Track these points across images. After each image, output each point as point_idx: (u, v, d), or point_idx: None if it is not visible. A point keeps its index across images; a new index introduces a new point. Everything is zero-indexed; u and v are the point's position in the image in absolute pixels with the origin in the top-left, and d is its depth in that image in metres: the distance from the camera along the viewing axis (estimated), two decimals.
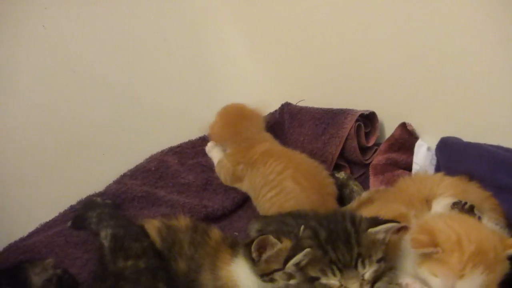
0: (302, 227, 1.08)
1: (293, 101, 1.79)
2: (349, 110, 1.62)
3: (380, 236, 0.93)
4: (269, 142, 1.55)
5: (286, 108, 1.74)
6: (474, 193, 1.23)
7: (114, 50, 1.62)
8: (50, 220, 1.44)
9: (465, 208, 1.10)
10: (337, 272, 0.90)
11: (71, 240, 1.32)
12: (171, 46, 1.78)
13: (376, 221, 0.94)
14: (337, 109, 1.64)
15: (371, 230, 0.93)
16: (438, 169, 1.48)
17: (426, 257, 0.92)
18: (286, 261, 0.95)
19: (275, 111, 1.78)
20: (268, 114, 1.79)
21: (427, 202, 1.23)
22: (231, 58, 1.94)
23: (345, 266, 0.90)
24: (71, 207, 1.47)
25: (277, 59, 1.91)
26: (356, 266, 0.90)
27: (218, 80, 1.91)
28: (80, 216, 1.36)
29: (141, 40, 1.70)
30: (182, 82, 1.83)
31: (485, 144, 1.41)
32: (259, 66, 1.96)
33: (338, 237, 0.92)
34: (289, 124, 1.68)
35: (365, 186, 1.54)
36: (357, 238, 0.92)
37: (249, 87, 1.83)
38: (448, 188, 1.23)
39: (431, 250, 0.89)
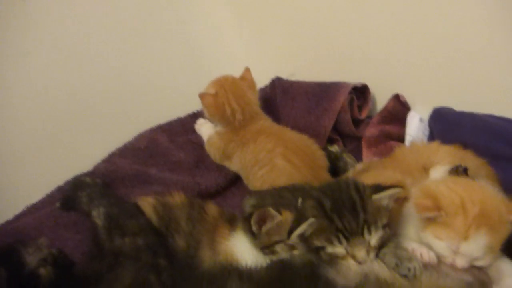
0: (300, 199, 1.08)
1: (284, 76, 1.76)
2: (342, 83, 1.60)
3: (384, 202, 0.94)
4: (263, 120, 1.51)
5: (277, 83, 1.71)
6: (470, 160, 1.24)
7: (99, 28, 1.56)
8: (37, 202, 1.38)
9: (459, 170, 1.12)
10: (344, 240, 0.90)
11: (61, 221, 1.27)
12: (156, 22, 1.72)
13: (379, 188, 0.94)
14: (329, 82, 1.62)
15: (375, 196, 0.92)
16: (431, 139, 1.48)
17: (430, 221, 0.92)
18: (291, 232, 0.94)
19: (266, 86, 1.75)
20: (259, 90, 1.75)
21: (425, 171, 1.24)
22: (218, 33, 1.89)
23: (351, 234, 0.90)
24: (59, 187, 1.42)
25: (266, 33, 1.88)
26: (362, 233, 0.90)
27: (206, 56, 1.86)
28: (69, 196, 1.31)
29: (126, 17, 1.64)
30: (169, 59, 1.78)
31: (478, 113, 1.42)
32: (248, 40, 1.92)
33: (344, 205, 0.92)
34: (281, 99, 1.66)
35: (358, 158, 1.54)
36: (363, 205, 0.92)
37: (238, 63, 1.77)
38: (445, 156, 1.24)
39: (435, 214, 0.90)
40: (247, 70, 1.57)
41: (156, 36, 1.72)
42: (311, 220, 0.91)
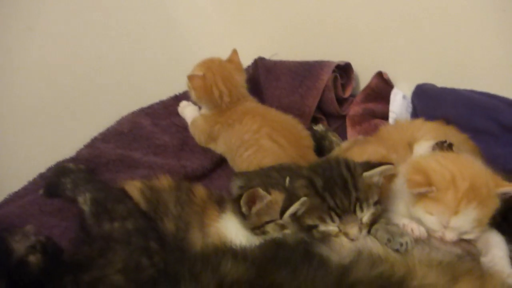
0: (288, 178, 1.08)
1: (266, 56, 1.74)
2: (325, 61, 1.59)
3: (375, 179, 0.94)
4: (249, 101, 1.50)
5: (260, 62, 1.69)
6: (453, 136, 1.26)
7: (77, 11, 1.51)
8: (19, 190, 1.34)
9: (444, 146, 1.13)
10: (336, 218, 0.91)
11: (45, 208, 1.25)
12: (135, 3, 1.67)
13: (370, 165, 0.95)
14: (312, 61, 1.61)
15: (366, 174, 0.93)
16: (414, 116, 1.50)
17: (421, 196, 0.94)
18: (283, 212, 0.94)
19: (248, 66, 1.73)
20: None
21: (410, 147, 1.26)
22: (199, 13, 1.85)
23: (343, 212, 0.91)
24: (41, 174, 1.38)
25: (247, 12, 1.85)
26: (354, 211, 0.91)
27: (187, 37, 1.82)
28: (52, 183, 1.28)
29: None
30: (149, 40, 1.74)
31: (459, 89, 1.44)
32: (229, 20, 1.89)
33: (335, 183, 0.92)
34: (264, 79, 1.64)
35: (343, 137, 1.54)
36: (354, 182, 0.92)
37: (220, 43, 1.75)
38: (429, 131, 1.26)
39: (427, 189, 0.91)
40: (235, 52, 1.55)
41: (135, 17, 1.68)
42: (303, 199, 0.91)
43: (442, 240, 0.90)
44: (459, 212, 0.89)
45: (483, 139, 1.31)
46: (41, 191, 1.29)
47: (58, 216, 1.23)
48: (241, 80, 1.51)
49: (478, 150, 1.27)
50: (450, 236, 0.91)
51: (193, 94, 1.49)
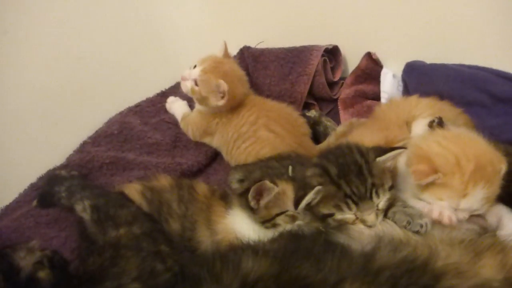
0: (290, 167, 1.06)
1: (252, 44, 1.71)
2: (313, 46, 1.57)
3: (388, 163, 0.93)
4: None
5: (247, 52, 1.65)
6: (448, 111, 1.27)
7: (55, 12, 1.44)
8: (11, 203, 1.29)
9: (434, 124, 1.14)
10: (353, 206, 0.90)
11: (41, 220, 1.20)
12: (116, 2, 1.61)
13: (382, 150, 0.94)
14: (300, 47, 1.59)
15: (379, 158, 0.92)
16: (405, 94, 1.50)
17: (428, 184, 0.92)
18: (298, 202, 0.92)
19: (234, 56, 1.69)
20: None
21: (407, 125, 1.26)
22: (180, 3, 1.80)
23: (360, 199, 0.90)
24: (32, 185, 1.33)
25: (229, 1, 1.80)
26: (371, 197, 0.90)
27: (169, 30, 1.77)
28: (46, 193, 1.23)
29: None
30: (129, 36, 1.67)
31: (449, 64, 1.45)
32: (211, 10, 1.84)
33: (350, 170, 0.91)
34: (252, 68, 1.61)
35: (336, 121, 1.54)
36: (369, 168, 0.91)
37: (203, 34, 1.71)
38: (425, 108, 1.26)
39: (434, 178, 0.90)
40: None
41: (115, 14, 1.62)
42: (318, 188, 0.89)
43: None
44: (468, 194, 0.89)
45: (476, 111, 1.32)
46: (34, 203, 1.24)
47: (55, 226, 1.19)
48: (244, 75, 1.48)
49: (472, 123, 1.28)
50: (462, 216, 0.91)
51: (210, 102, 1.38)
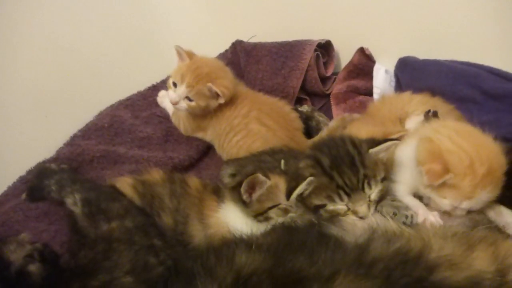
0: (283, 161, 1.06)
1: (244, 38, 1.70)
2: (306, 40, 1.57)
3: (381, 155, 0.93)
4: (239, 86, 1.44)
5: (239, 46, 1.65)
6: (440, 107, 1.27)
7: (51, 3, 1.43)
8: None
9: (430, 116, 1.15)
10: (345, 197, 0.90)
11: (30, 213, 1.18)
12: None
13: (375, 141, 0.94)
14: (293, 41, 1.59)
15: (372, 150, 0.92)
16: (397, 90, 1.51)
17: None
18: (290, 193, 0.92)
19: (226, 50, 1.69)
20: (219, 55, 1.69)
21: (400, 121, 1.26)
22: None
23: (352, 190, 0.90)
24: (21, 178, 1.31)
25: None
26: (363, 188, 0.90)
27: (161, 24, 1.75)
28: (35, 186, 1.21)
29: None
30: (121, 29, 1.66)
31: (441, 60, 1.45)
32: (203, 4, 1.82)
33: (343, 161, 0.91)
34: (245, 63, 1.60)
35: (328, 116, 1.54)
36: (361, 160, 0.91)
37: (194, 29, 1.70)
38: (418, 105, 1.27)
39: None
40: (178, 48, 1.37)
41: (107, 6, 1.60)
42: (310, 178, 0.89)
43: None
44: (474, 197, 0.88)
45: (467, 107, 1.33)
46: (23, 196, 1.22)
47: (45, 220, 1.17)
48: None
49: (464, 118, 1.28)
50: (459, 213, 0.92)
51: (214, 105, 1.36)
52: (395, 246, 0.77)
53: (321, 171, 0.91)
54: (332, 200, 0.90)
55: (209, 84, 1.30)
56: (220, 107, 1.37)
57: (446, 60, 1.44)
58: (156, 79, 1.67)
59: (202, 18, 1.83)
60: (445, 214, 0.92)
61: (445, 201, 0.90)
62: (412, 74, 1.44)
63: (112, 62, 1.63)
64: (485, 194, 0.88)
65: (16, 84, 1.38)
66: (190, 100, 1.34)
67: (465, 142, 0.91)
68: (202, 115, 1.40)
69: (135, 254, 0.86)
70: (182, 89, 1.33)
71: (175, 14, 1.81)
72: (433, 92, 1.33)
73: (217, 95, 1.33)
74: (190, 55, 1.38)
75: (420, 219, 0.88)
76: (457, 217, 0.90)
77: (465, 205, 0.89)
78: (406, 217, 0.89)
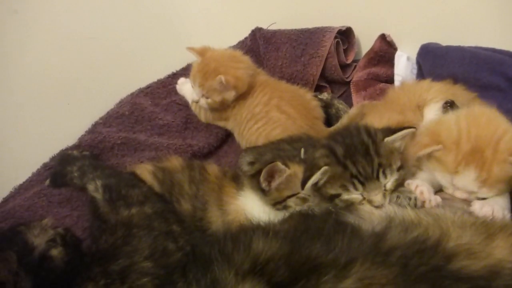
0: (302, 149, 1.06)
1: (264, 26, 1.69)
2: (326, 27, 1.55)
3: (397, 144, 0.92)
4: (260, 74, 1.45)
5: (258, 33, 1.64)
6: (461, 95, 1.25)
7: None
8: (24, 182, 1.31)
9: (447, 107, 1.13)
10: (359, 186, 0.89)
11: (53, 199, 1.22)
12: None
13: (391, 130, 0.93)
14: (313, 28, 1.57)
15: (387, 139, 0.91)
16: (419, 77, 1.48)
17: (429, 155, 0.95)
18: (304, 183, 0.92)
19: (246, 38, 1.68)
20: (238, 43, 1.69)
21: (419, 109, 1.24)
22: None
23: (367, 179, 0.89)
24: (45, 165, 1.35)
25: None
26: (378, 177, 0.89)
27: (180, 12, 1.75)
28: (58, 172, 1.24)
29: None
30: (141, 17, 1.67)
31: (464, 46, 1.42)
32: None
33: (357, 150, 0.90)
34: (264, 50, 1.59)
35: (348, 104, 1.52)
36: (376, 148, 0.90)
37: (213, 16, 1.69)
38: (438, 93, 1.24)
39: (431, 149, 0.92)
40: (192, 48, 1.42)
41: None
42: (324, 168, 0.88)
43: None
44: (459, 173, 0.90)
45: (491, 95, 1.29)
46: (47, 182, 1.26)
47: (67, 206, 1.21)
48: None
49: None
50: (459, 194, 0.93)
51: (230, 98, 1.37)
52: (413, 235, 0.76)
53: (335, 161, 0.90)
54: (346, 189, 0.89)
55: (219, 76, 1.32)
56: (241, 97, 1.37)
57: (469, 47, 1.40)
58: (175, 67, 1.68)
59: (222, 5, 1.81)
60: (464, 203, 0.91)
61: (439, 175, 0.93)
62: (434, 61, 1.41)
63: (132, 51, 1.65)
64: (471, 173, 0.88)
65: (40, 73, 1.41)
66: (207, 97, 1.37)
67: (466, 122, 0.93)
68: (222, 108, 1.41)
69: (154, 240, 0.87)
70: (197, 90, 1.39)
71: (195, 2, 1.80)
72: (456, 79, 1.30)
73: (231, 87, 1.34)
74: (203, 52, 1.41)
75: (419, 197, 0.90)
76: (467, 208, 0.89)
77: (456, 181, 0.91)
78: (409, 199, 0.89)
